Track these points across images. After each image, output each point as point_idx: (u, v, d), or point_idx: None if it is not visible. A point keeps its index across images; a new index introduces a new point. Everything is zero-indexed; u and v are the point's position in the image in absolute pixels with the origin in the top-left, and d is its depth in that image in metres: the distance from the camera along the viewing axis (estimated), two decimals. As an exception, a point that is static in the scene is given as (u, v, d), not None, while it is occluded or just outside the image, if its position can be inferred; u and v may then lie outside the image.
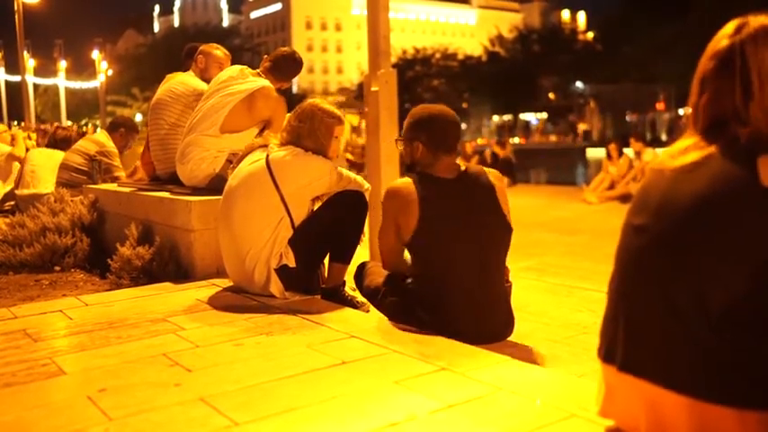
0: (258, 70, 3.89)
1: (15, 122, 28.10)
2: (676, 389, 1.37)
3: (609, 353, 1.52)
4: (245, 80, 3.79)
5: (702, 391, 1.34)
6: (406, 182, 2.65)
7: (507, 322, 2.71)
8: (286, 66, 3.88)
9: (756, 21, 1.48)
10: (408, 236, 2.60)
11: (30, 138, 8.34)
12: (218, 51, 4.40)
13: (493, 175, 2.71)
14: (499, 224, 2.64)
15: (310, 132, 3.08)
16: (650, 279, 1.45)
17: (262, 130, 3.81)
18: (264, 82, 3.77)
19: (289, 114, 3.27)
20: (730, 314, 1.33)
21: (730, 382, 1.33)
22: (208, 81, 4.26)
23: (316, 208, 3.14)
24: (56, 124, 8.88)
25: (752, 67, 1.44)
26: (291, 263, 2.99)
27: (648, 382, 1.41)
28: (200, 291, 3.23)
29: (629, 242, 1.53)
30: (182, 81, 4.31)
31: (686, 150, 1.48)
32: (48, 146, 6.60)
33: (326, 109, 3.14)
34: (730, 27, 1.50)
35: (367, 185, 3.21)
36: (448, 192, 2.62)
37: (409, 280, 2.69)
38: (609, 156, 10.20)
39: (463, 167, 2.71)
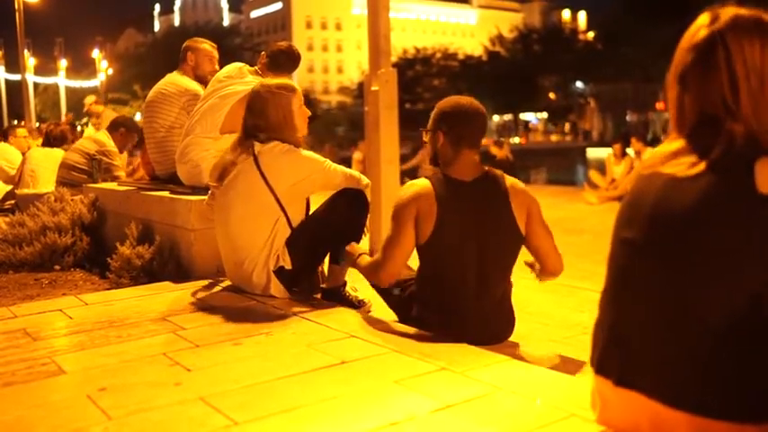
0: (256, 68, 3.89)
1: (15, 121, 28.09)
2: (675, 405, 1.35)
3: (601, 365, 1.50)
4: (243, 80, 3.78)
5: (701, 407, 1.32)
6: (426, 184, 2.55)
7: (508, 322, 2.70)
8: (284, 61, 3.86)
9: (728, 11, 1.43)
10: (424, 240, 2.53)
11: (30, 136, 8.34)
12: (206, 45, 4.41)
13: (511, 181, 2.61)
14: (509, 231, 2.57)
15: (274, 122, 3.01)
16: (646, 294, 1.42)
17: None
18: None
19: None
20: (729, 328, 1.31)
21: (729, 396, 1.31)
22: (202, 77, 4.28)
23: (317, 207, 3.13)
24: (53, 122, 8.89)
25: (736, 58, 1.39)
26: (288, 264, 2.96)
27: (647, 397, 1.39)
28: (200, 290, 3.23)
29: (620, 255, 1.48)
30: (172, 81, 4.30)
31: (677, 155, 1.42)
32: (44, 144, 6.60)
33: (272, 89, 3.05)
34: (705, 18, 1.45)
35: (366, 181, 3.15)
36: (463, 196, 2.53)
37: (412, 281, 2.68)
38: (615, 155, 10.20)
39: (485, 169, 2.60)
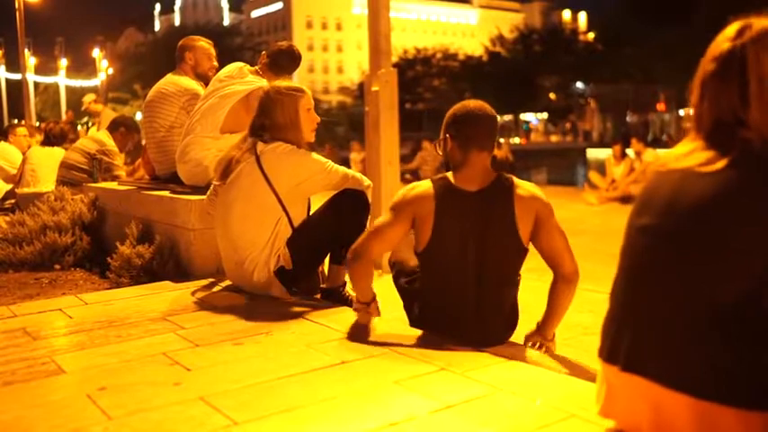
0: (257, 67, 3.88)
1: (15, 120, 28.08)
2: (681, 389, 1.36)
3: (611, 353, 1.51)
4: (243, 80, 3.78)
5: (707, 392, 1.33)
6: (428, 188, 2.50)
7: (510, 326, 2.68)
8: (284, 61, 3.86)
9: (760, 23, 1.46)
10: (422, 247, 2.52)
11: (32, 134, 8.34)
12: (203, 42, 4.40)
13: (521, 189, 2.52)
14: (510, 242, 2.50)
15: (280, 123, 3.02)
16: (657, 279, 1.44)
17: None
18: (262, 82, 3.76)
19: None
20: (738, 315, 1.33)
21: (736, 382, 1.32)
22: (202, 75, 4.27)
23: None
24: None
25: (751, 72, 1.42)
26: (288, 264, 2.96)
27: (652, 382, 1.41)
28: (200, 289, 3.23)
29: (634, 243, 1.51)
30: (172, 81, 4.30)
31: (692, 152, 1.46)
32: (44, 143, 6.61)
33: (281, 90, 3.07)
34: (733, 29, 1.48)
35: (367, 182, 3.14)
36: (464, 206, 2.48)
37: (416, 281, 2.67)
38: (615, 156, 10.21)
39: (495, 176, 2.54)
